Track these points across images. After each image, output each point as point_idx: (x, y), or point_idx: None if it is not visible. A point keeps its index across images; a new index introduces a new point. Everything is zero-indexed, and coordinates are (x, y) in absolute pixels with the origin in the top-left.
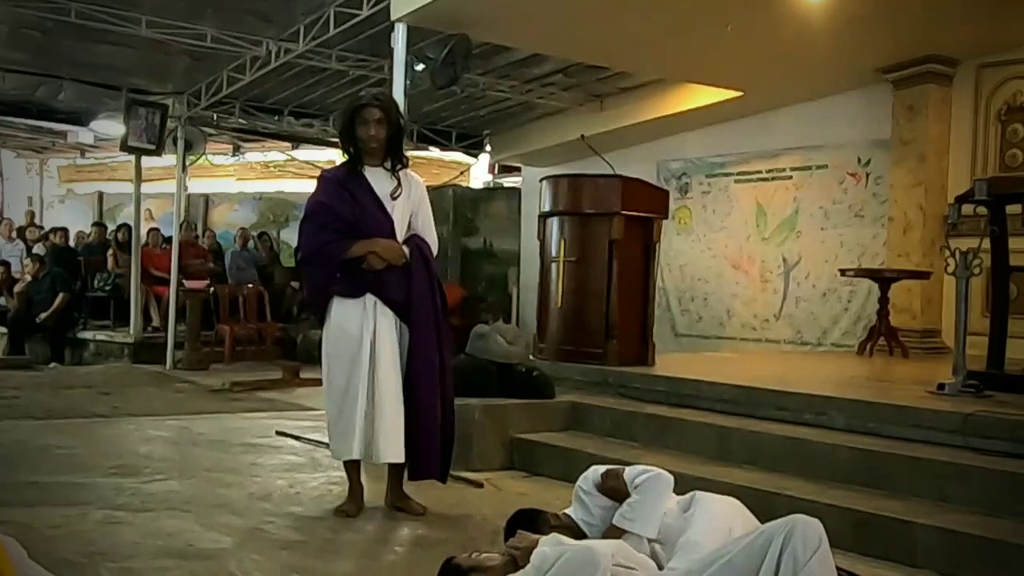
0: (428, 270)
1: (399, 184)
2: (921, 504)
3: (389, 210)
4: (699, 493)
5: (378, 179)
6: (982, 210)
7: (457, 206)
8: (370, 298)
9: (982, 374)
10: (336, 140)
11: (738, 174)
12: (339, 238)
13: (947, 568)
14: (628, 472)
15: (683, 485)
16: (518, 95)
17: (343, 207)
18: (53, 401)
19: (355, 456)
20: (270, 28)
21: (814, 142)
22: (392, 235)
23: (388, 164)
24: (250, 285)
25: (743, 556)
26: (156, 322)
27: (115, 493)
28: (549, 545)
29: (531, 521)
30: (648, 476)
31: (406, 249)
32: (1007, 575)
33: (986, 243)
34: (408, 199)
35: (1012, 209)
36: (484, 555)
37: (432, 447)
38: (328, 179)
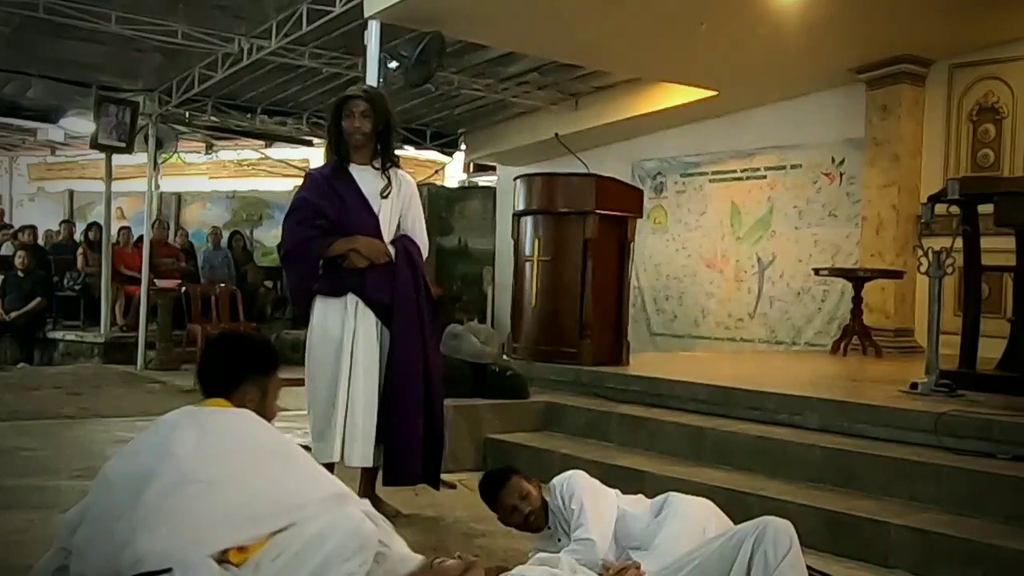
0: (414, 270)
1: (389, 183)
2: (894, 504)
3: (375, 209)
4: (672, 495)
5: (365, 177)
6: (955, 210)
7: (432, 205)
8: (352, 299)
9: (955, 373)
10: (309, 138)
11: (713, 173)
12: (321, 235)
13: (919, 567)
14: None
15: (657, 485)
16: (493, 94)
17: (327, 204)
18: (20, 402)
19: (335, 459)
20: (242, 25)
21: (788, 142)
22: (377, 234)
23: (377, 163)
24: (223, 284)
25: (715, 558)
26: (119, 322)
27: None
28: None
29: (500, 484)
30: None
31: (391, 248)
32: (979, 574)
33: (959, 243)
34: (397, 198)
35: (984, 209)
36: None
37: (410, 453)
38: (314, 176)
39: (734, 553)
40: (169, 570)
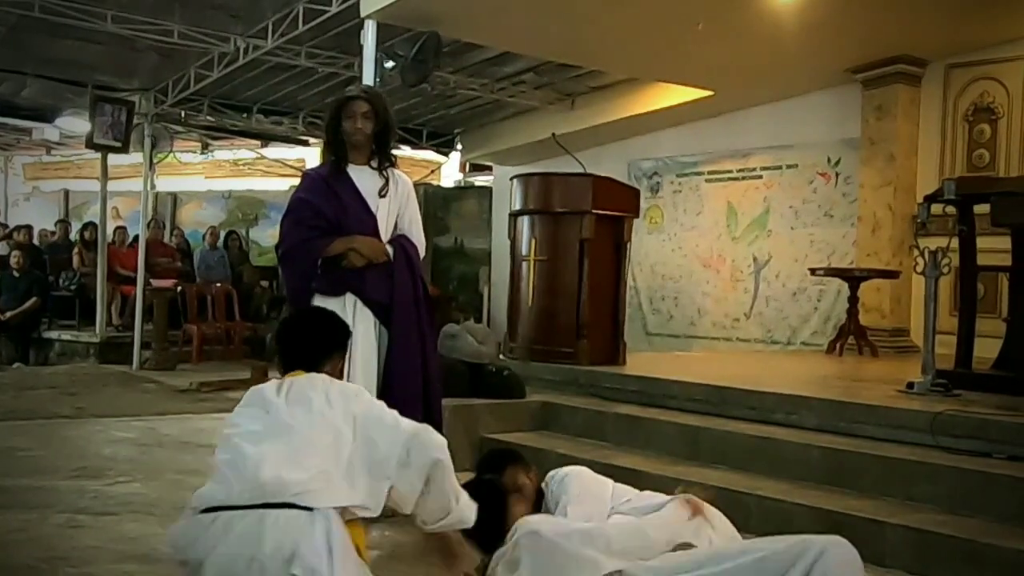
0: (412, 270)
1: (387, 182)
2: (890, 503)
3: (373, 209)
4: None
5: (363, 178)
6: (951, 210)
7: (428, 205)
8: (350, 298)
9: (951, 373)
10: (305, 138)
11: (709, 173)
12: (319, 235)
13: (916, 567)
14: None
15: (654, 484)
16: (489, 93)
17: (325, 204)
18: (16, 402)
19: None
20: (238, 24)
21: (784, 142)
22: (375, 234)
23: (374, 163)
24: (219, 284)
25: (775, 559)
26: (115, 322)
27: (77, 496)
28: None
29: (495, 472)
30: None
31: (389, 248)
32: (976, 574)
33: (954, 243)
34: (395, 198)
35: (980, 209)
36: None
37: None
38: (312, 176)
39: (794, 559)
40: (311, 509)
